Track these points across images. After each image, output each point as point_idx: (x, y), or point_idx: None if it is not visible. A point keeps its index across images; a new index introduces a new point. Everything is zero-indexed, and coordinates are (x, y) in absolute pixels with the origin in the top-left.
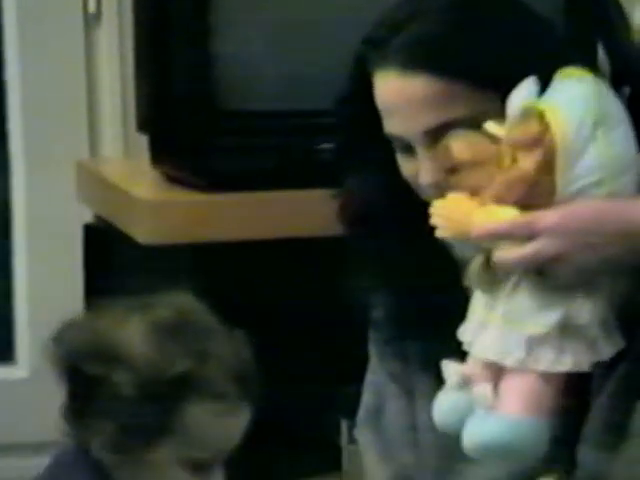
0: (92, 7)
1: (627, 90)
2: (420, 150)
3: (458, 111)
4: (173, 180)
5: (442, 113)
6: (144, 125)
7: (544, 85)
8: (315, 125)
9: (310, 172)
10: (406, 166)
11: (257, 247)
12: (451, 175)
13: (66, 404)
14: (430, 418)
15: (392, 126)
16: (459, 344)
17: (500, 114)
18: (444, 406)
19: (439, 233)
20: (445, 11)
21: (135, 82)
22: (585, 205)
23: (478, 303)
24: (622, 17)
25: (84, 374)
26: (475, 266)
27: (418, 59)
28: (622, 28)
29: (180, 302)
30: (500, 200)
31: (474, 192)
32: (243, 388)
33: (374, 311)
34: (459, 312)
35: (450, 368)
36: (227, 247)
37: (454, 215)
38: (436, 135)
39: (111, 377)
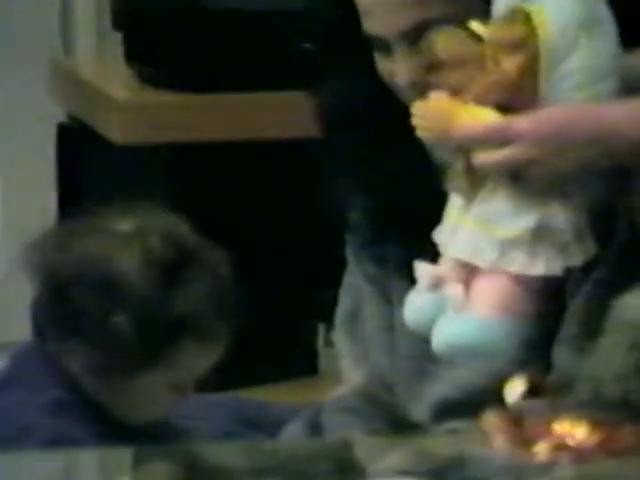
0: None
1: None
2: (398, 50)
3: (436, 10)
4: (148, 79)
5: (420, 12)
6: (119, 22)
7: None
8: (295, 26)
9: (290, 73)
10: (384, 66)
11: (234, 149)
12: (433, 73)
13: (42, 319)
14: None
15: (370, 26)
16: (436, 248)
17: (479, 15)
18: (415, 306)
19: (419, 133)
20: None
21: None
22: (559, 110)
23: (455, 206)
24: None
25: (74, 300)
26: (455, 170)
27: None
28: None
29: (168, 227)
30: (481, 101)
31: (455, 92)
32: (226, 316)
33: (351, 214)
34: (437, 216)
35: (422, 269)
36: (203, 148)
37: (435, 116)
38: (415, 34)
39: (107, 314)
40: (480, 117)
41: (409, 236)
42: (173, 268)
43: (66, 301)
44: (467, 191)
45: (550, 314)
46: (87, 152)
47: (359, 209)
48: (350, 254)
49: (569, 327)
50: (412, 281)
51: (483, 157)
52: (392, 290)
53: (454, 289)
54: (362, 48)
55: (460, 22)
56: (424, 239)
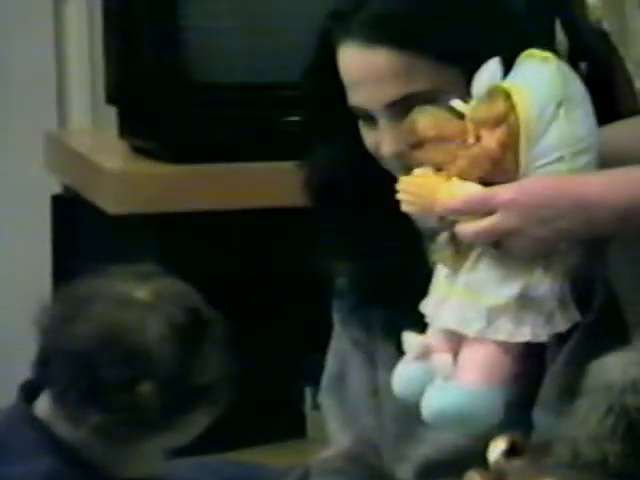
0: None
1: (584, 66)
2: (382, 122)
3: (420, 84)
4: (141, 151)
5: (404, 86)
6: (112, 97)
7: (505, 62)
8: (281, 98)
9: (276, 144)
10: (369, 137)
11: (223, 218)
12: (416, 150)
13: (54, 384)
14: (391, 384)
15: (356, 98)
16: (421, 313)
17: (461, 88)
18: (404, 376)
19: (405, 208)
20: None
21: (104, 55)
22: (540, 180)
23: (441, 277)
24: None
25: (95, 368)
26: (440, 241)
27: (380, 33)
28: (578, 6)
29: (183, 295)
30: (464, 176)
31: (438, 167)
32: (229, 382)
33: (338, 280)
34: (421, 281)
35: (410, 339)
36: (194, 217)
37: (419, 191)
38: (398, 107)
39: (131, 383)
40: (462, 191)
41: (393, 301)
42: (192, 336)
43: (86, 368)
44: (452, 262)
45: (531, 376)
46: (81, 222)
47: (345, 274)
48: (337, 319)
49: (548, 390)
50: (396, 346)
51: (466, 227)
52: (377, 354)
53: (442, 359)
54: (347, 119)
55: (442, 95)
56: (408, 304)
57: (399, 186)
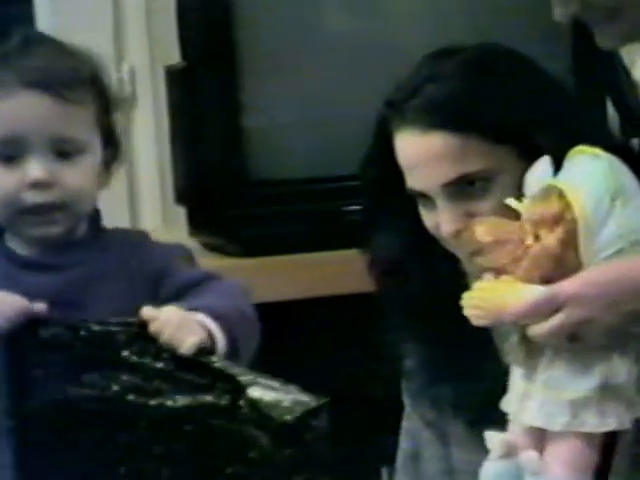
0: (128, 89)
1: (637, 142)
2: (440, 202)
3: (474, 164)
4: (210, 247)
5: (459, 167)
6: (181, 197)
7: (556, 145)
8: (342, 189)
9: (339, 233)
10: (429, 219)
11: (291, 307)
12: (477, 257)
13: None
14: (464, 461)
15: (413, 181)
16: (490, 390)
17: (516, 166)
18: (491, 474)
19: (474, 322)
20: (457, 73)
21: (171, 157)
22: (602, 269)
23: (518, 375)
24: (626, 74)
25: None
26: (512, 343)
27: (435, 118)
28: (627, 84)
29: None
30: (528, 277)
31: (501, 270)
32: None
33: (406, 361)
34: (489, 358)
35: (493, 438)
36: (263, 308)
37: (485, 303)
38: (455, 187)
39: None
40: (527, 295)
41: (462, 379)
42: None
43: None
44: (525, 362)
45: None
46: None
47: (413, 355)
48: (407, 399)
49: (622, 459)
50: (467, 423)
51: (537, 329)
52: (449, 432)
53: (529, 456)
54: (406, 203)
55: (497, 174)
56: (477, 381)
57: (464, 302)
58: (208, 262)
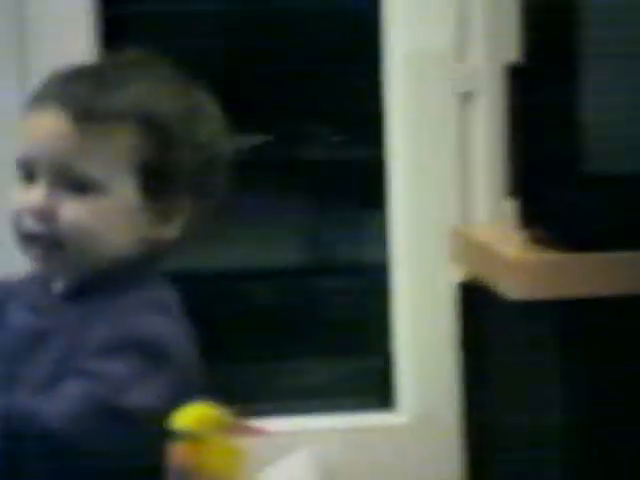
0: (466, 87)
1: None
2: None
3: None
4: (539, 241)
5: None
6: (514, 192)
7: None
8: None
9: None
10: None
11: (615, 302)
12: None
13: None
14: None
15: None
16: None
17: None
18: None
19: None
20: None
21: (506, 153)
22: None
23: None
24: None
25: None
26: None
27: None
28: None
29: None
30: None
31: None
32: None
33: None
34: None
35: None
36: (591, 303)
37: None
38: None
39: None
40: None
41: None
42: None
43: None
44: None
45: None
46: (484, 308)
47: None
48: None
49: None
50: None
51: None
52: None
53: None
54: None
55: None
56: None
57: None
58: (536, 255)
